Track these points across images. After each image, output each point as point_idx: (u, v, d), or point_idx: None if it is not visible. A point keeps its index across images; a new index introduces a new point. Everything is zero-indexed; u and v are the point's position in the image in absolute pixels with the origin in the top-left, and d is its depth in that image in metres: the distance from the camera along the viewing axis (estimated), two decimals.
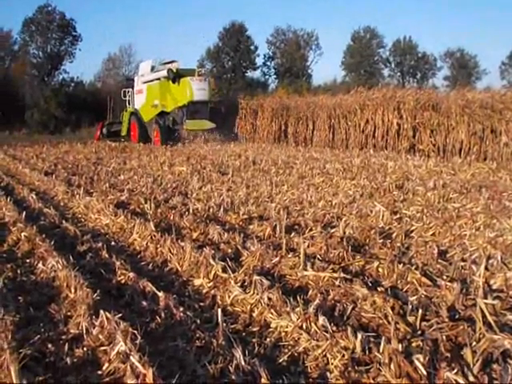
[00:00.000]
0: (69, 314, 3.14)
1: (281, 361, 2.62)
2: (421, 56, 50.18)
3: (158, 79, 18.89)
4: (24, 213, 5.80)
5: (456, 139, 13.10)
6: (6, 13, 60.42)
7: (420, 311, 2.94)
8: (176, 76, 17.96)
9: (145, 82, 20.01)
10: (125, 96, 21.48)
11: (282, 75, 46.24)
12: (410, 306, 3.05)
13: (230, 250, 4.37)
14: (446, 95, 15.05)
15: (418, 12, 72.66)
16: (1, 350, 2.49)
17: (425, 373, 2.28)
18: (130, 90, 21.27)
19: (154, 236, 4.69)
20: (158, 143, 18.17)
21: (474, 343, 2.60)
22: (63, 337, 2.85)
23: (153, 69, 20.13)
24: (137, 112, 20.28)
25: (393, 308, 3.06)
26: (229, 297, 3.38)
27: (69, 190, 7.45)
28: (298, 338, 2.77)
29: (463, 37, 79.10)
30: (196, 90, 17.54)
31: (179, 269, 4.04)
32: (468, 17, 71.93)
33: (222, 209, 5.96)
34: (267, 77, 48.26)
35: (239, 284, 3.50)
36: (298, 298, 3.19)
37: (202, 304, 3.36)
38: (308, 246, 4.37)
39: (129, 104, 21.26)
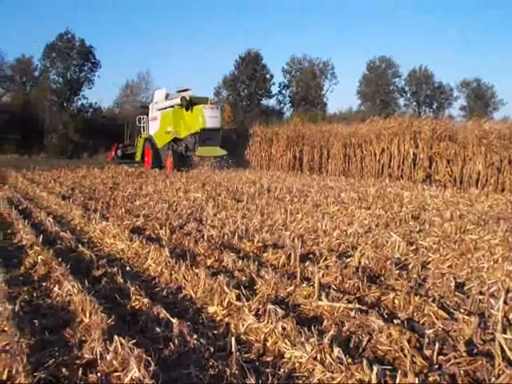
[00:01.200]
0: (83, 338, 3.15)
1: None
2: (437, 86, 50.53)
3: (172, 107, 19.57)
4: (41, 236, 5.87)
5: (473, 170, 13.05)
6: (27, 39, 62.61)
7: (437, 345, 2.89)
8: (189, 104, 18.63)
9: (159, 110, 20.66)
10: (140, 123, 22.40)
11: (297, 103, 46.78)
12: (427, 339, 3.00)
13: (244, 278, 4.35)
14: (463, 125, 15.08)
15: (434, 42, 73.53)
16: (16, 372, 2.51)
17: None
18: (145, 116, 22.08)
19: (169, 262, 4.70)
20: (170, 169, 18.78)
21: (493, 379, 2.55)
22: (77, 361, 2.84)
23: (167, 97, 20.95)
24: (151, 138, 20.93)
25: (409, 341, 3.01)
26: (242, 325, 3.35)
27: (85, 215, 7.54)
28: (313, 370, 2.73)
29: (480, 67, 79.42)
30: (208, 117, 18.12)
31: (193, 296, 4.04)
32: (485, 47, 72.50)
33: (236, 236, 5.96)
34: (282, 105, 48.88)
35: (253, 312, 3.48)
36: (313, 328, 3.15)
37: (215, 332, 3.33)
38: (323, 276, 4.34)
39: (143, 130, 22.10)
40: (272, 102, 48.05)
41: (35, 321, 3.44)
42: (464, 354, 2.85)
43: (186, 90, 19.96)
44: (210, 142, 18.36)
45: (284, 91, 48.66)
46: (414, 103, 51.45)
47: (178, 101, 19.08)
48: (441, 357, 2.83)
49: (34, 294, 4.07)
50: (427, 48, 75.77)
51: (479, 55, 74.24)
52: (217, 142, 18.60)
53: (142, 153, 21.67)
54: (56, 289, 4.06)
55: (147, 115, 21.98)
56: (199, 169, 17.78)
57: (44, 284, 4.36)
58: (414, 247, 5.42)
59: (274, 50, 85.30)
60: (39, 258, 5.00)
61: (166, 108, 20.19)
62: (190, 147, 18.77)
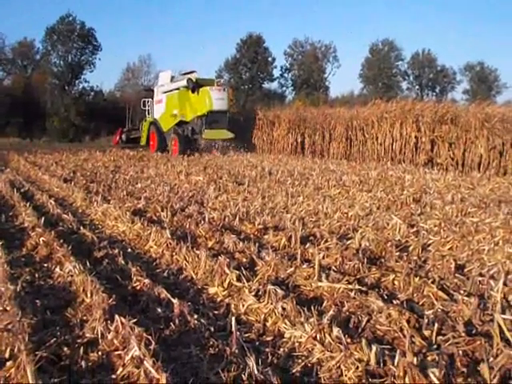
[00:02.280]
0: (84, 318, 3.18)
1: (294, 371, 2.61)
2: (440, 69, 50.03)
3: (178, 89, 19.03)
4: (43, 218, 5.90)
5: (475, 153, 12.98)
6: (28, 22, 62.10)
7: (436, 325, 2.91)
8: (195, 86, 18.03)
9: (164, 92, 20.10)
10: (144, 106, 21.62)
11: (299, 87, 46.45)
12: (426, 320, 3.02)
13: (244, 260, 4.38)
14: (465, 109, 14.94)
15: (438, 25, 72.68)
16: (18, 351, 2.53)
17: None
18: (150, 100, 21.41)
19: (170, 244, 4.72)
20: (175, 153, 18.18)
21: (492, 359, 2.56)
22: (79, 340, 2.88)
23: (172, 79, 20.27)
24: (156, 122, 20.41)
25: (408, 321, 3.03)
26: (243, 306, 3.38)
27: (87, 197, 7.56)
28: (312, 349, 2.76)
29: (483, 50, 78.37)
30: (215, 99, 17.56)
31: (194, 277, 4.06)
32: (488, 30, 71.65)
33: (237, 218, 5.97)
34: (284, 88, 48.52)
35: (253, 293, 3.50)
36: (312, 308, 3.17)
37: (216, 312, 3.36)
38: (323, 257, 4.35)
39: (148, 114, 21.40)
40: (274, 86, 47.72)
41: (37, 301, 3.47)
42: (463, 335, 2.87)
43: (192, 71, 19.26)
44: (217, 125, 17.79)
45: (286, 74, 48.28)
46: (417, 87, 51.01)
47: (184, 83, 18.48)
48: (440, 337, 2.86)
49: (36, 275, 4.11)
50: (430, 31, 74.70)
51: (483, 38, 73.24)
52: (224, 125, 18.01)
53: (147, 137, 21.08)
54: (57, 270, 4.10)
55: (152, 98, 21.30)
56: (206, 153, 17.39)
57: (46, 265, 4.40)
58: (414, 230, 5.42)
59: (275, 33, 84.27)
60: (41, 239, 5.03)
61: (171, 90, 19.56)
62: (196, 130, 18.16)
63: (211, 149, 17.79)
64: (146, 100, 21.70)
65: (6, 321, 2.93)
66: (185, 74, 19.73)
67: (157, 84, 21.88)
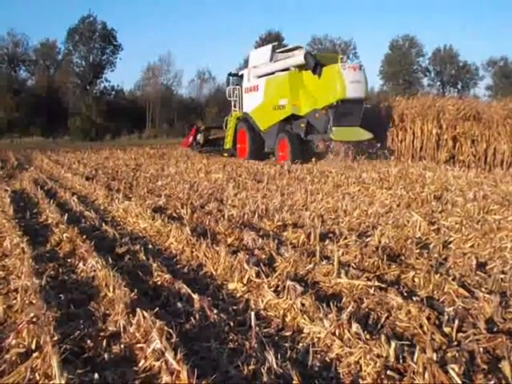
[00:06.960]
0: (107, 312, 3.24)
1: (313, 366, 2.63)
2: (462, 65, 49.30)
3: (285, 70, 13.74)
4: (66, 215, 6.01)
5: (498, 150, 12.77)
6: (50, 23, 63.19)
7: (456, 322, 2.88)
8: (318, 63, 12.56)
9: (261, 76, 14.81)
10: (230, 96, 16.22)
11: None
12: (447, 317, 3.00)
13: (263, 256, 4.40)
14: (488, 105, 14.69)
15: (459, 20, 71.49)
16: (43, 343, 2.61)
17: (460, 383, 2.24)
18: (238, 88, 16.10)
19: (190, 240, 4.78)
20: (284, 159, 13.14)
21: None
22: (101, 333, 2.94)
23: (272, 58, 14.73)
24: (247, 117, 15.27)
25: (428, 318, 3.01)
26: (262, 301, 3.40)
27: (108, 195, 7.68)
28: (331, 345, 2.77)
29: (507, 44, 76.79)
30: (349, 83, 12.14)
31: (214, 272, 4.10)
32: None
33: (256, 215, 6.00)
34: None
35: (272, 289, 3.52)
36: (331, 304, 3.18)
37: (235, 307, 3.39)
38: (342, 254, 4.34)
39: (235, 107, 16.08)
40: None
41: (61, 295, 3.56)
42: (484, 332, 2.84)
43: (298, 47, 14.31)
44: (349, 121, 12.47)
45: None
46: (438, 83, 50.40)
47: (297, 60, 13.14)
48: (460, 334, 2.83)
49: (60, 270, 4.20)
50: (452, 26, 73.70)
51: (506, 33, 71.80)
52: (357, 121, 12.68)
53: (233, 138, 15.88)
54: (81, 265, 4.19)
55: (239, 85, 16.07)
56: (330, 159, 12.60)
57: (69, 260, 4.50)
58: (435, 227, 5.36)
59: (295, 30, 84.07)
60: (64, 235, 5.14)
61: (273, 73, 14.21)
62: (318, 128, 12.91)
63: (329, 153, 12.78)
64: (233, 88, 16.28)
65: (31, 313, 3.01)
66: (286, 50, 14.86)
67: (248, 67, 16.18)
